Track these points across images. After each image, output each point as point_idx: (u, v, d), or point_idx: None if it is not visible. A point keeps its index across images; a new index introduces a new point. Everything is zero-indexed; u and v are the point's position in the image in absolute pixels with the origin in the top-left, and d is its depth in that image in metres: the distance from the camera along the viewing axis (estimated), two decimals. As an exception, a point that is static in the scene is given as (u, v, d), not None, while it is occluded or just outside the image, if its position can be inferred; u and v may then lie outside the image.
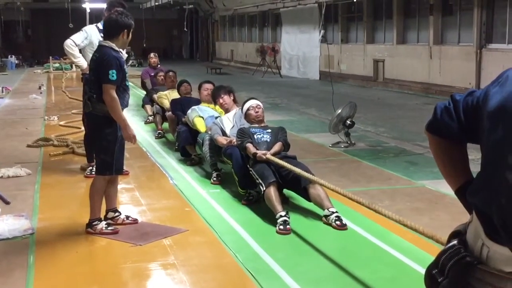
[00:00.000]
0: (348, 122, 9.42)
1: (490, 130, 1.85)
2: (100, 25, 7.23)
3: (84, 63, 7.33)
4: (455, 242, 1.92)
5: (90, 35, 7.32)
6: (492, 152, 1.85)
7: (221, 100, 7.63)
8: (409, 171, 7.81)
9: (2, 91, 18.71)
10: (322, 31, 18.22)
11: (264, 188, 5.69)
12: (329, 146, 9.45)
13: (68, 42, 7.36)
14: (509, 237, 1.74)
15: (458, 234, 1.96)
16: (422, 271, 4.37)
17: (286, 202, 6.06)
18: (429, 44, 17.83)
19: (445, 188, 6.75)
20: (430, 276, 1.93)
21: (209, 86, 8.75)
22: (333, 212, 5.47)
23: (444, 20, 17.69)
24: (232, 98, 7.67)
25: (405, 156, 8.86)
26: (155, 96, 11.10)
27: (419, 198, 6.49)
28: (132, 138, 5.30)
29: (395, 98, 17.20)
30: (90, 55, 6.91)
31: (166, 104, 10.17)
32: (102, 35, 5.98)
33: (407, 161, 8.45)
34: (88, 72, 6.85)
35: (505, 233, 1.76)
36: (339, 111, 9.41)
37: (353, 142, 9.53)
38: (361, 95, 17.25)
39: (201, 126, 7.81)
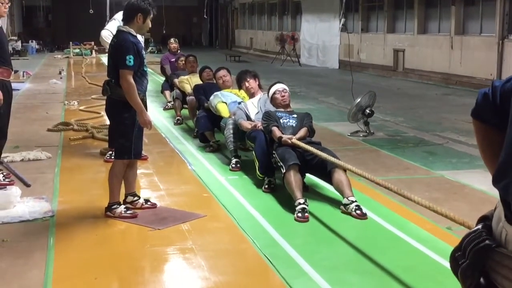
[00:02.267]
0: (367, 111, 9.39)
1: None
2: None
3: None
4: (479, 226, 1.95)
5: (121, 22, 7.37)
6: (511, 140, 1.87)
7: (247, 84, 7.57)
8: (428, 161, 7.78)
9: (23, 76, 18.86)
10: (343, 20, 18.09)
11: (285, 171, 5.65)
12: (348, 135, 9.43)
13: (105, 33, 7.35)
14: None
15: (485, 218, 1.98)
16: (440, 260, 4.41)
17: (306, 189, 6.06)
18: (450, 34, 17.67)
19: (464, 179, 6.75)
20: (454, 258, 1.97)
21: (222, 73, 8.72)
22: (353, 201, 5.43)
23: (466, 10, 17.52)
24: (257, 82, 7.64)
25: (424, 146, 8.82)
26: (176, 80, 11.10)
27: (437, 188, 6.46)
28: (148, 124, 5.31)
29: (414, 88, 17.10)
30: None
31: (188, 88, 10.19)
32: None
33: (426, 151, 8.41)
34: None
35: None
36: (359, 100, 9.38)
37: (372, 131, 9.50)
38: (380, 85, 17.17)
39: (224, 111, 7.80)
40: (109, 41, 7.33)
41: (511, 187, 1.80)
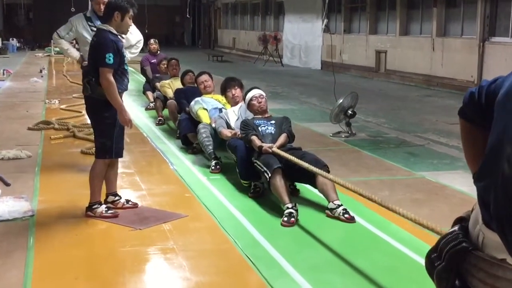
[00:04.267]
0: (350, 112, 9.42)
1: (496, 118, 1.88)
2: (88, 13, 6.96)
3: (75, 54, 7.19)
4: (456, 228, 1.96)
5: (76, 25, 6.99)
6: (494, 141, 1.88)
7: (233, 91, 7.47)
8: (409, 162, 7.82)
9: (3, 74, 18.70)
10: (325, 21, 18.15)
11: (270, 175, 5.56)
12: (330, 136, 9.46)
13: (54, 35, 7.20)
14: (501, 229, 1.77)
15: (462, 220, 1.99)
16: (420, 260, 4.42)
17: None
18: (432, 36, 17.78)
19: (445, 180, 6.80)
20: (430, 259, 1.98)
21: (204, 78, 8.63)
22: (339, 205, 5.38)
23: (447, 12, 17.64)
24: (242, 93, 7.59)
25: (405, 147, 8.87)
26: (157, 84, 11.05)
27: (419, 189, 6.49)
28: (128, 123, 5.28)
29: (396, 89, 17.19)
30: (83, 47, 6.69)
31: (169, 93, 10.12)
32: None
33: (407, 152, 8.45)
34: (82, 62, 6.77)
35: (497, 223, 1.79)
36: (341, 101, 9.41)
37: (354, 132, 9.54)
38: (362, 86, 17.24)
39: (205, 118, 7.72)
40: (57, 43, 7.19)
41: (492, 188, 1.81)
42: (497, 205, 1.78)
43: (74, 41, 7.74)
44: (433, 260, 1.96)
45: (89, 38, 6.38)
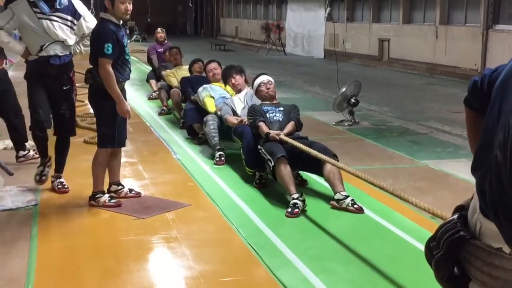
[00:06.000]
0: (353, 100, 9.40)
1: (490, 105, 1.89)
2: None
3: (17, 47, 5.90)
4: (455, 216, 1.96)
5: (18, 13, 5.63)
6: (487, 128, 1.89)
7: (233, 80, 7.45)
8: (413, 150, 7.80)
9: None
10: (328, 9, 18.08)
11: (273, 164, 5.52)
12: (333, 124, 9.44)
13: None
14: (496, 216, 1.77)
15: (462, 208, 1.99)
16: (423, 249, 4.40)
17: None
18: (435, 24, 17.71)
19: (448, 168, 6.78)
20: (429, 248, 2.00)
21: (213, 65, 8.63)
22: (346, 196, 5.34)
23: (451, 0, 17.56)
24: (243, 78, 7.55)
25: (408, 135, 8.85)
26: (163, 73, 11.01)
27: (422, 177, 6.48)
28: (126, 113, 5.25)
29: (399, 77, 17.15)
30: (29, 38, 5.74)
31: (174, 82, 10.09)
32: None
33: (410, 141, 8.44)
34: (28, 56, 5.84)
35: (493, 211, 1.79)
36: (344, 89, 9.39)
37: (357, 120, 9.52)
38: (365, 74, 17.18)
39: (211, 106, 7.70)
40: None
41: (488, 176, 1.81)
42: (492, 192, 1.78)
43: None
44: (432, 248, 1.97)
45: (35, 26, 5.56)
